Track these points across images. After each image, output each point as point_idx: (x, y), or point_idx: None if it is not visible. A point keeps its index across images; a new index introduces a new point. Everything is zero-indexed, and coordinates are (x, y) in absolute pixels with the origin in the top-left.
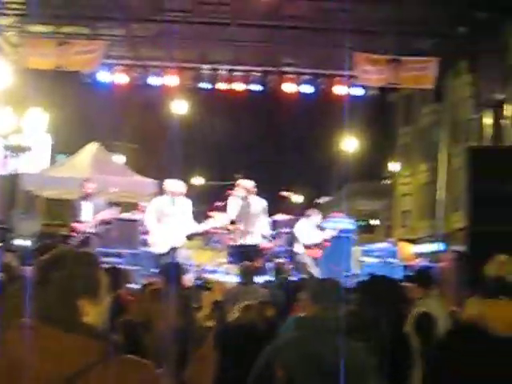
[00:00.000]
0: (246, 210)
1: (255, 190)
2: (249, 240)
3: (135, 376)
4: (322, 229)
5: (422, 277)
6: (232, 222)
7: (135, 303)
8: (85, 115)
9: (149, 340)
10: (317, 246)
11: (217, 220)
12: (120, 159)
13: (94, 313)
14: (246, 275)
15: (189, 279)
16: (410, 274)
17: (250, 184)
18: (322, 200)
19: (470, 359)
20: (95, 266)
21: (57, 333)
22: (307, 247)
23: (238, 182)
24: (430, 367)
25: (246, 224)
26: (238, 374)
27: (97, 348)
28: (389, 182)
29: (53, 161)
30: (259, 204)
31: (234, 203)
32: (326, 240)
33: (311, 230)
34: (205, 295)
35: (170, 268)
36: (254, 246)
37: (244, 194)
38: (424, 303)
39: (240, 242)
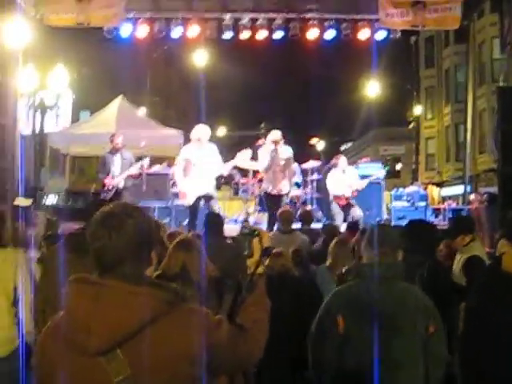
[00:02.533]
0: (275, 161)
1: (282, 139)
2: (279, 189)
3: (198, 323)
4: (350, 176)
5: (468, 224)
6: (257, 172)
7: (166, 257)
8: (107, 70)
9: (188, 291)
10: (345, 196)
11: (240, 157)
12: (141, 111)
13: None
14: (285, 221)
15: (235, 228)
16: (452, 227)
17: (277, 135)
18: (347, 146)
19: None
20: (155, 221)
21: (119, 285)
22: (336, 196)
23: (269, 136)
24: (467, 318)
25: (275, 173)
26: (276, 317)
27: (161, 298)
28: (413, 125)
29: (75, 117)
30: (287, 153)
31: (263, 155)
32: (354, 191)
33: (339, 180)
34: (254, 242)
35: (211, 218)
36: (283, 194)
37: (273, 147)
38: (471, 247)
39: (269, 191)
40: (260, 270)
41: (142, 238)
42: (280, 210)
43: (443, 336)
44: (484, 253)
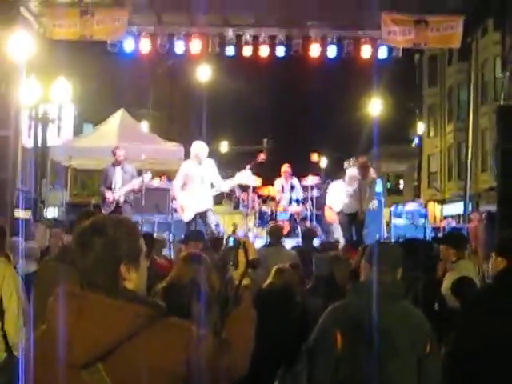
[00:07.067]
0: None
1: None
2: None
3: (178, 338)
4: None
5: (456, 239)
6: (256, 188)
7: (174, 268)
8: (110, 84)
9: (194, 304)
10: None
11: (239, 177)
12: (144, 126)
13: (134, 279)
14: (273, 235)
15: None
16: (442, 236)
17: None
18: (348, 163)
19: (495, 318)
20: (135, 233)
21: (100, 298)
22: (329, 207)
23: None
24: (458, 327)
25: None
26: (279, 334)
27: (141, 312)
28: (416, 143)
29: (78, 130)
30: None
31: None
32: None
33: (339, 192)
34: (239, 254)
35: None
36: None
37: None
38: (459, 265)
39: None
40: (245, 282)
41: (112, 254)
42: (270, 225)
43: (439, 357)
44: (473, 270)
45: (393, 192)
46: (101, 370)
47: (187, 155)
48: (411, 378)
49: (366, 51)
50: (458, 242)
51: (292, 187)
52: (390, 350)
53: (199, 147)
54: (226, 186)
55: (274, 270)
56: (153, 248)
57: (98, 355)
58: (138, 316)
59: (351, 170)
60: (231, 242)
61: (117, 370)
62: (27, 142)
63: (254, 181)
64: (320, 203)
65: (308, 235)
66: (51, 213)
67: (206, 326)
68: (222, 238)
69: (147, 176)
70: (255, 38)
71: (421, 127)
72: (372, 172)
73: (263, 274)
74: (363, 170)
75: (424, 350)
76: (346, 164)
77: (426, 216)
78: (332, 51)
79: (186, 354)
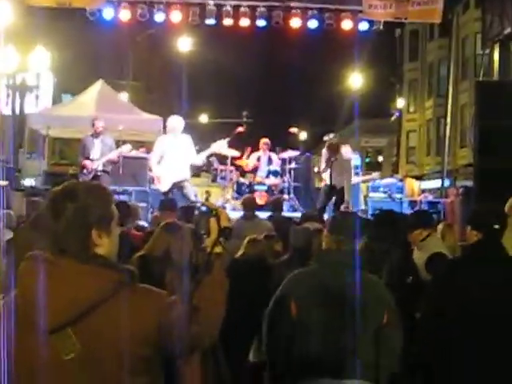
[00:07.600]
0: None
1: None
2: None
3: (149, 304)
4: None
5: (421, 218)
6: (234, 159)
7: (152, 238)
8: (89, 53)
9: (168, 273)
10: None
11: (214, 147)
12: (123, 97)
13: (106, 245)
14: (247, 207)
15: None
16: (408, 221)
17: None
18: (329, 137)
19: (470, 288)
20: (107, 199)
21: (71, 264)
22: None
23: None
24: (431, 296)
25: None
26: (254, 304)
27: (112, 277)
28: (395, 118)
29: (57, 100)
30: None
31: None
32: None
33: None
34: (211, 221)
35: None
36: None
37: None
38: (427, 243)
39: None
40: (217, 250)
41: (84, 219)
42: (242, 198)
43: (397, 328)
44: (443, 247)
45: (372, 167)
46: (71, 334)
47: (165, 127)
48: (368, 347)
49: (346, 24)
50: (424, 220)
51: (270, 160)
52: (348, 319)
53: (175, 121)
54: (200, 158)
55: (246, 240)
56: (128, 216)
57: (68, 320)
58: (109, 281)
59: (324, 149)
60: (203, 209)
61: (87, 334)
62: (4, 109)
63: (231, 151)
64: (298, 176)
65: (276, 206)
66: (29, 182)
67: (180, 295)
68: (193, 207)
69: (126, 148)
70: (236, 9)
71: (401, 102)
72: (345, 152)
73: (238, 245)
74: (331, 151)
75: (381, 321)
76: (325, 137)
77: (403, 190)
78: (313, 23)
79: (158, 320)
